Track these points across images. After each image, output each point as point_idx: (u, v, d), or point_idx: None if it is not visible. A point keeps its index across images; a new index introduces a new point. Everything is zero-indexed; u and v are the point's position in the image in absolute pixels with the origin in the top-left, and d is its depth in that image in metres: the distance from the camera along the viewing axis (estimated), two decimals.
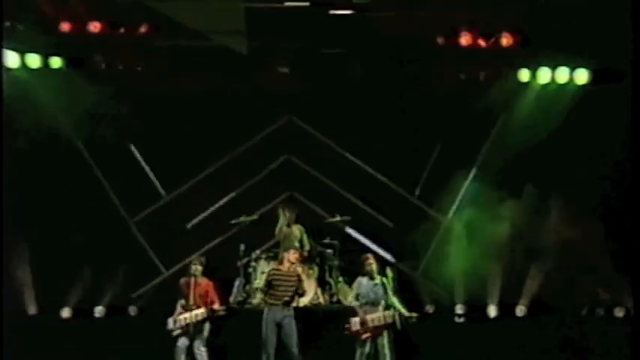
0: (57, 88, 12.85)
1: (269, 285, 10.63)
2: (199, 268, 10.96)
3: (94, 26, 12.03)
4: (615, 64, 12.52)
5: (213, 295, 10.91)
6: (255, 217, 13.40)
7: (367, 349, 10.60)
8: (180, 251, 13.58)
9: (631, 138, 11.20)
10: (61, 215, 13.34)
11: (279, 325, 10.48)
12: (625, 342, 11.49)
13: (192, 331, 10.77)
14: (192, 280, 10.81)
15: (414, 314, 10.69)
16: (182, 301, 10.89)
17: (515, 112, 13.39)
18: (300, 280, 10.74)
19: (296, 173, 14.06)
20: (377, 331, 10.52)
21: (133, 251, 13.93)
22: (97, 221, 13.57)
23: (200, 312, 10.73)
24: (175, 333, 10.80)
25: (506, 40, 12.41)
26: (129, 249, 13.89)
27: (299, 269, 10.94)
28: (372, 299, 10.74)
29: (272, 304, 10.52)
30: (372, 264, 10.93)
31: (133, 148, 14.01)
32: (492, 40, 12.35)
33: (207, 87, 13.35)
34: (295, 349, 10.46)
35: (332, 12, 12.41)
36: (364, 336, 10.51)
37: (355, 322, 10.57)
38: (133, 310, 13.50)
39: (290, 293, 10.58)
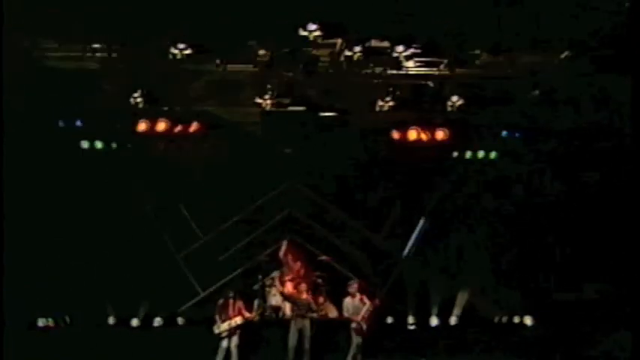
0: (128, 164, 16.01)
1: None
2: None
3: (160, 125, 15.42)
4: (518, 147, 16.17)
5: (244, 310, 13.77)
6: (267, 258, 15.54)
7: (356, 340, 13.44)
8: (213, 278, 16.20)
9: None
10: (129, 254, 15.81)
11: (299, 331, 13.59)
12: (521, 339, 15.26)
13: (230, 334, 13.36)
14: (232, 300, 13.62)
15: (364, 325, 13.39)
16: (221, 314, 13.50)
17: (447, 179, 16.55)
18: (309, 303, 14.02)
19: (296, 223, 16.44)
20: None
21: (179, 277, 16.30)
22: (153, 257, 16.04)
23: (238, 319, 13.58)
24: (224, 335, 13.42)
25: (442, 134, 15.60)
26: (176, 276, 16.27)
27: (308, 296, 14.05)
28: (353, 311, 13.52)
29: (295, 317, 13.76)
30: (355, 287, 13.61)
31: (180, 205, 16.63)
32: (430, 134, 15.56)
33: (233, 162, 15.92)
34: (307, 347, 13.58)
35: (321, 114, 15.42)
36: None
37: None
38: (181, 321, 15.94)
39: (304, 310, 13.87)
